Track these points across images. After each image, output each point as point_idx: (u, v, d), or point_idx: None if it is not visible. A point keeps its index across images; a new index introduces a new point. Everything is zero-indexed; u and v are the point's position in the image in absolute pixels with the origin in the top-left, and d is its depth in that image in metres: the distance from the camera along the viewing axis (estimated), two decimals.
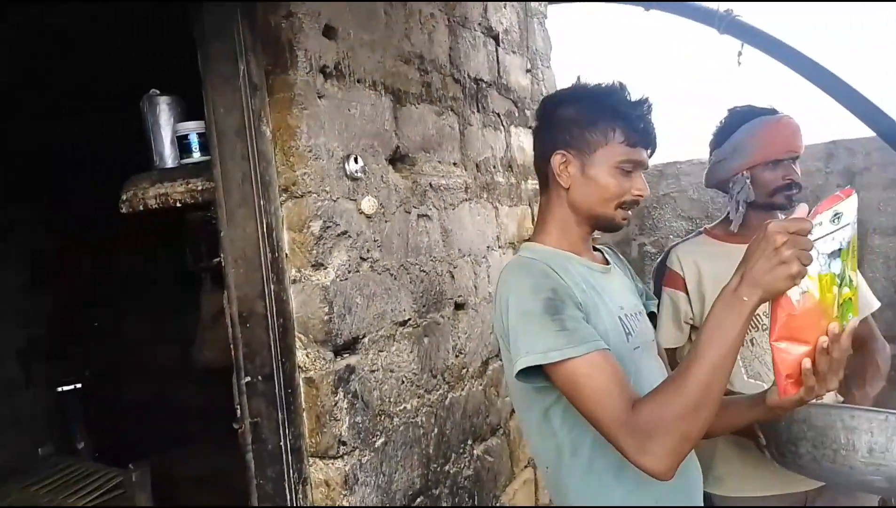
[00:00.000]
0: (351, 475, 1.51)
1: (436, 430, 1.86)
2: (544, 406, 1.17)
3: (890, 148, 2.44)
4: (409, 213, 1.82)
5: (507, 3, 2.61)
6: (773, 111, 1.68)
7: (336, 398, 1.49)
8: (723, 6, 2.56)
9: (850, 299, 1.01)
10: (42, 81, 2.85)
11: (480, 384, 2.16)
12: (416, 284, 1.82)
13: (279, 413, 1.45)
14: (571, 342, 1.04)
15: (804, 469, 1.35)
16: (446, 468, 1.90)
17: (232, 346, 1.48)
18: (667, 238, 2.79)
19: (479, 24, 2.36)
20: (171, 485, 2.79)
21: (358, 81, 1.64)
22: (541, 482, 2.50)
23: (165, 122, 1.65)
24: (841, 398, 1.61)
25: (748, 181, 1.64)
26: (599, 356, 1.05)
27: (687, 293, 1.68)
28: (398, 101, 1.81)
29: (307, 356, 1.49)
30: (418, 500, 1.75)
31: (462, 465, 1.99)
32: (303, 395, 1.49)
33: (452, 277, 2.03)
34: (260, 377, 1.45)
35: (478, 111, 2.29)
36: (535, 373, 1.09)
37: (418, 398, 1.79)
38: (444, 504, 1.87)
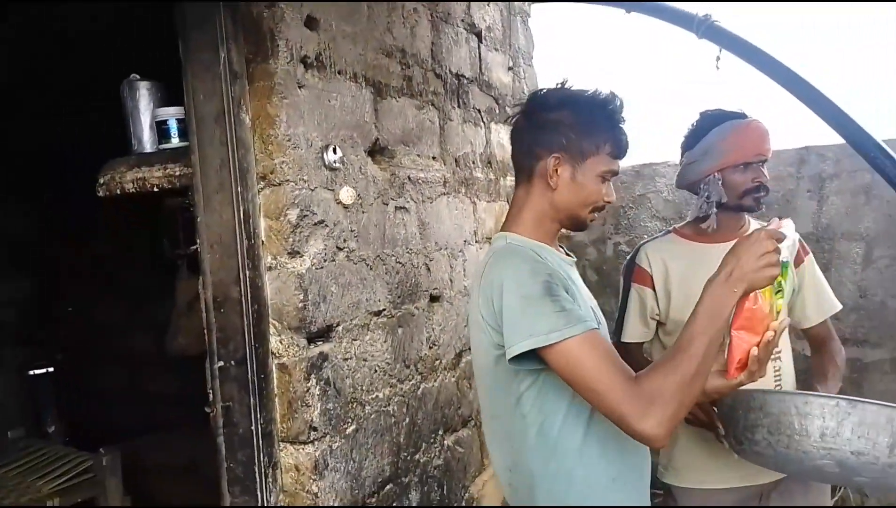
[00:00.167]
0: (321, 460, 1.53)
1: (407, 419, 1.89)
2: (520, 391, 1.21)
3: (858, 156, 2.50)
4: (387, 205, 1.84)
5: (491, 0, 2.63)
6: (742, 115, 1.73)
7: (308, 385, 1.51)
8: (701, 11, 2.60)
9: (781, 306, 1.20)
10: (32, 77, 2.83)
11: (453, 376, 2.19)
12: (391, 275, 1.85)
13: (251, 398, 1.47)
14: (570, 322, 1.10)
15: (761, 457, 1.39)
16: (416, 457, 1.93)
17: (206, 330, 1.49)
18: (641, 238, 2.83)
19: (462, 20, 2.38)
20: (143, 472, 2.79)
21: (339, 73, 1.66)
22: None
23: (145, 107, 1.65)
24: None
25: (720, 183, 1.68)
26: (594, 334, 1.12)
27: (654, 290, 1.73)
28: (379, 93, 1.82)
29: (281, 342, 1.51)
30: (388, 487, 1.78)
31: (432, 455, 2.02)
32: (275, 381, 1.51)
33: (428, 269, 2.05)
34: (233, 362, 1.47)
35: (458, 107, 2.32)
36: (528, 356, 1.13)
37: (391, 387, 1.82)
38: (414, 492, 1.90)
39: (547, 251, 1.28)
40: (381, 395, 1.77)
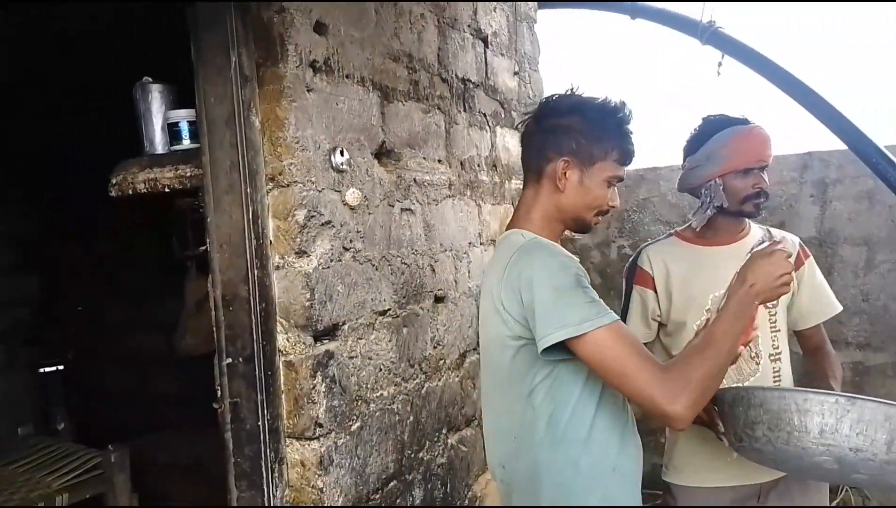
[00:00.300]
0: (326, 456, 1.56)
1: (411, 418, 1.92)
2: (534, 383, 1.25)
3: (861, 161, 2.53)
4: (393, 206, 1.87)
5: (497, 5, 2.67)
6: (745, 121, 1.74)
7: (314, 382, 1.54)
8: (706, 13, 2.63)
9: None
10: (31, 77, 2.87)
11: (457, 376, 2.21)
12: (396, 275, 1.88)
13: (258, 395, 1.50)
14: (600, 313, 1.17)
15: (760, 454, 1.41)
16: (420, 455, 1.96)
17: (215, 328, 1.53)
18: (645, 241, 2.86)
19: (469, 25, 2.42)
20: (151, 470, 2.82)
21: (347, 77, 1.69)
22: None
23: (157, 109, 1.69)
24: None
25: (721, 188, 1.70)
26: (621, 324, 1.19)
27: (656, 292, 1.75)
28: (385, 97, 1.86)
29: (288, 340, 1.54)
30: (391, 484, 1.80)
31: (436, 453, 2.05)
32: (282, 378, 1.54)
33: (433, 270, 2.08)
34: (241, 359, 1.50)
35: (464, 111, 2.35)
36: (556, 347, 1.18)
37: (395, 385, 1.85)
38: (417, 490, 1.93)
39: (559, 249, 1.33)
40: (385, 393, 1.80)
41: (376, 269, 1.78)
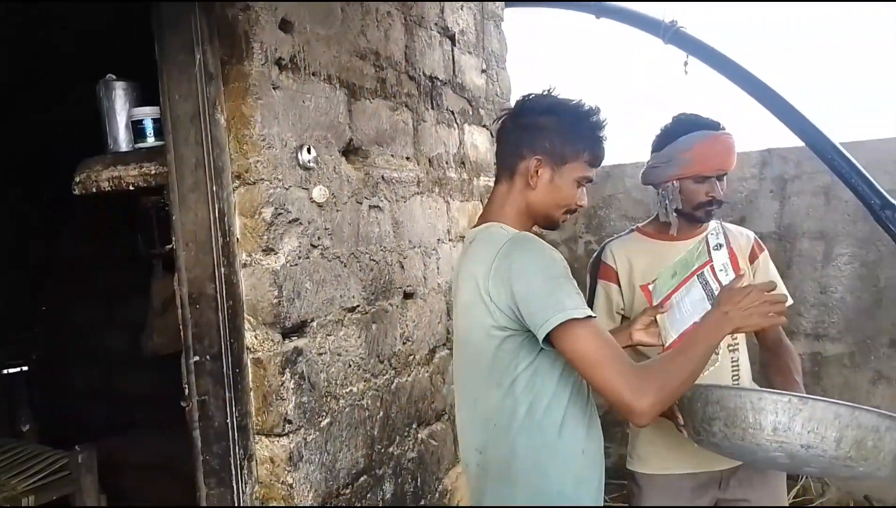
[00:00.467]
0: (296, 452, 1.57)
1: (381, 413, 1.94)
2: (516, 372, 1.30)
3: (818, 158, 2.60)
4: (361, 203, 1.88)
5: (465, 4, 2.69)
6: (714, 124, 1.74)
7: (283, 379, 1.55)
8: (672, 13, 2.68)
9: None
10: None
11: (427, 371, 2.24)
12: (365, 272, 1.89)
13: (226, 392, 1.50)
14: (580, 306, 1.22)
15: (718, 447, 1.47)
16: (390, 449, 1.98)
17: (181, 326, 1.52)
18: (611, 236, 2.92)
19: (436, 23, 2.43)
20: (119, 471, 2.79)
21: (313, 75, 1.70)
22: None
23: (121, 107, 1.68)
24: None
25: (677, 191, 1.74)
26: (595, 321, 1.24)
27: (619, 285, 1.80)
28: (353, 95, 1.87)
29: (256, 337, 1.54)
30: (362, 479, 1.82)
31: (406, 447, 2.07)
32: (250, 375, 1.55)
33: (402, 267, 2.10)
34: (208, 357, 1.50)
35: (432, 108, 2.36)
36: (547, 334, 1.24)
37: (365, 381, 1.86)
38: (388, 484, 1.95)
39: None
40: (355, 389, 1.81)
41: (345, 266, 1.79)
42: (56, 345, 3.65)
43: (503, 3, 3.07)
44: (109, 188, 1.65)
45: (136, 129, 1.64)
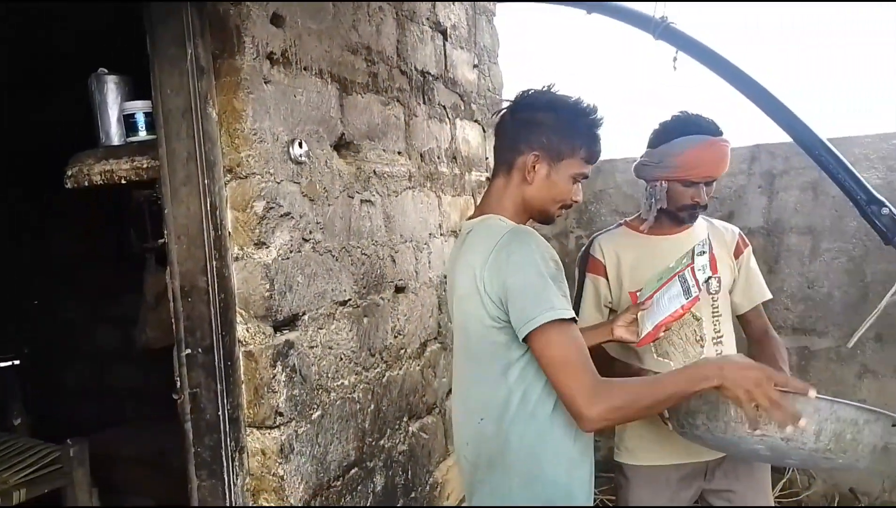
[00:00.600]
0: (287, 444, 1.58)
1: (372, 406, 1.95)
2: (509, 361, 1.32)
3: (806, 154, 2.62)
4: (353, 198, 1.89)
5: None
6: (713, 129, 1.74)
7: (274, 372, 1.56)
8: (658, 11, 2.69)
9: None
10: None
11: (418, 365, 2.25)
12: (357, 266, 1.90)
13: (218, 385, 1.51)
14: (567, 307, 1.24)
15: (701, 439, 1.50)
16: (381, 442, 1.99)
17: (173, 319, 1.53)
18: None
19: (428, 18, 2.44)
20: (111, 464, 2.80)
21: (304, 69, 1.70)
22: None
23: (113, 101, 1.68)
24: None
25: (664, 192, 1.76)
26: (575, 325, 1.27)
27: (607, 279, 1.82)
28: (344, 89, 1.87)
29: (247, 330, 1.55)
30: (353, 471, 1.83)
31: (397, 440, 2.09)
32: (242, 368, 1.56)
33: (394, 261, 2.11)
34: (200, 350, 1.51)
35: (424, 103, 2.37)
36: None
37: (356, 374, 1.88)
38: (379, 477, 1.96)
39: None
40: (346, 382, 1.83)
41: (336, 260, 1.80)
42: (48, 340, 3.65)
43: None
44: (101, 182, 1.65)
45: (128, 123, 1.64)
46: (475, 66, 2.88)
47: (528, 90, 1.44)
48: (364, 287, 1.93)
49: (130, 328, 2.80)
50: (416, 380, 2.24)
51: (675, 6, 2.70)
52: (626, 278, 1.79)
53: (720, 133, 1.75)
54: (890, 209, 1.99)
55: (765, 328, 1.87)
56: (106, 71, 1.68)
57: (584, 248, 1.92)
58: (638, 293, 1.72)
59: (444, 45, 2.58)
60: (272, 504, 1.57)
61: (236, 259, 1.55)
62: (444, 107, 2.54)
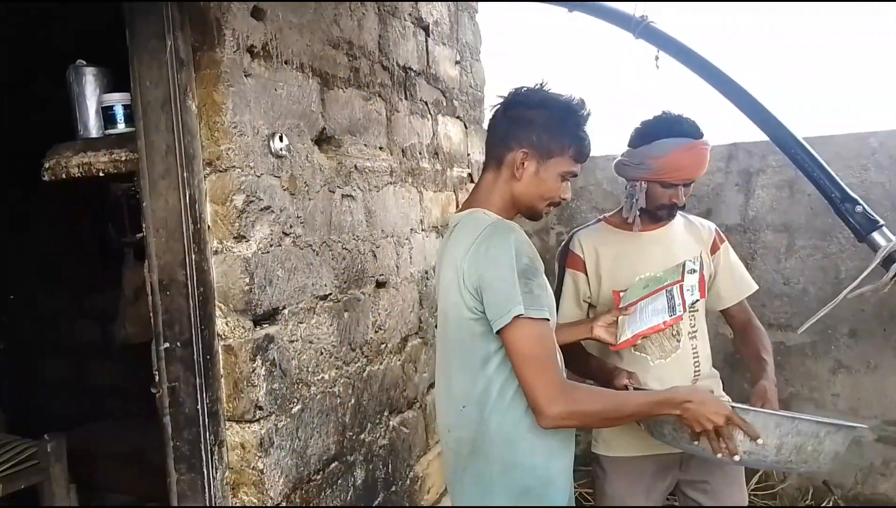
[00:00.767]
0: (266, 438, 1.58)
1: (353, 400, 1.96)
2: (487, 353, 1.35)
3: (782, 152, 2.66)
4: (334, 192, 1.90)
5: None
6: (693, 132, 1.75)
7: (254, 366, 1.56)
8: (639, 10, 2.72)
9: None
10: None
11: (399, 360, 2.26)
12: (338, 260, 1.90)
13: (197, 379, 1.51)
14: (536, 305, 1.27)
15: (670, 445, 1.57)
16: (362, 436, 2.00)
17: (152, 313, 1.53)
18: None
19: (410, 14, 2.44)
20: (89, 460, 2.78)
21: (285, 63, 1.70)
22: None
23: (91, 92, 1.66)
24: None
25: (644, 193, 1.78)
26: (548, 325, 1.30)
27: (587, 274, 1.84)
28: (326, 84, 1.87)
29: (227, 324, 1.55)
30: (333, 465, 1.84)
31: (377, 435, 2.09)
32: (221, 362, 1.55)
33: (375, 256, 2.12)
34: (179, 344, 1.51)
35: (406, 98, 2.38)
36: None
37: (336, 369, 1.88)
38: (359, 470, 1.97)
39: None
40: (326, 376, 1.83)
41: (317, 254, 1.81)
42: (25, 335, 3.60)
43: None
44: (79, 175, 1.63)
45: (107, 115, 1.63)
46: (457, 62, 2.89)
47: (522, 87, 1.46)
48: (345, 282, 1.94)
49: (111, 323, 2.77)
50: (397, 375, 2.25)
51: (655, 6, 2.73)
52: (604, 273, 1.81)
53: (700, 135, 1.77)
54: (863, 207, 2.04)
55: (748, 317, 1.91)
56: (84, 63, 1.67)
57: (563, 243, 1.94)
58: (622, 295, 1.74)
59: (427, 41, 2.58)
60: (252, 497, 1.57)
61: (215, 253, 1.54)
62: (426, 103, 2.54)
